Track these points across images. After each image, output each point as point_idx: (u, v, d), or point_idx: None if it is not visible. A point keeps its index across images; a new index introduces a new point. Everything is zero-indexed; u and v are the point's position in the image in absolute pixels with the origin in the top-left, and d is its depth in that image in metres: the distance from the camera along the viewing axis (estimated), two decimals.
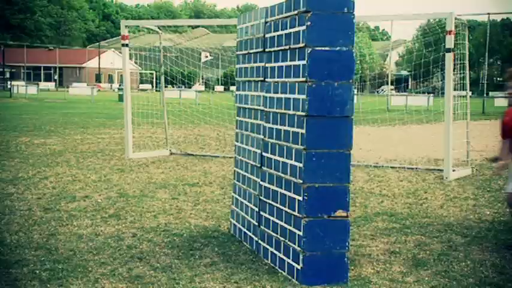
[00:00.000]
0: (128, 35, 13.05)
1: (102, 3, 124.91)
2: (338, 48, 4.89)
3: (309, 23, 4.84)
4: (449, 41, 10.59)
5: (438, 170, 11.46)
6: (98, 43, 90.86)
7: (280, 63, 5.40)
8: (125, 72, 13.19)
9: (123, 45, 13.08)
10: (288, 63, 5.22)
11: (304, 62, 4.90)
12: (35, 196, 8.33)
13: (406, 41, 76.54)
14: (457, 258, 5.79)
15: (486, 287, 5.01)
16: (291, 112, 5.15)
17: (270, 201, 5.57)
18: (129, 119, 12.96)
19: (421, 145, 15.40)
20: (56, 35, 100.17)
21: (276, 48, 5.49)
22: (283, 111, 5.31)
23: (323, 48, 4.87)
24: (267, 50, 5.70)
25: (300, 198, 4.96)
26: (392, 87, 45.55)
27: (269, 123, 5.65)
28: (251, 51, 6.14)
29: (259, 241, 5.77)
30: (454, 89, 11.43)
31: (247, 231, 6.13)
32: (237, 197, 6.57)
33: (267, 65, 5.72)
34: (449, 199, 8.77)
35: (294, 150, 5.10)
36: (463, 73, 12.03)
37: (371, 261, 5.61)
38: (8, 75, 77.00)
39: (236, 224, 6.49)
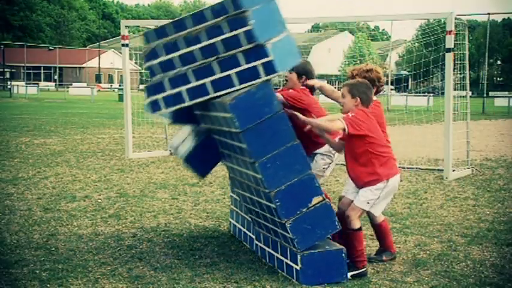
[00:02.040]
0: (128, 35, 13.06)
1: (102, 2, 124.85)
2: (282, 36, 4.82)
3: (252, 21, 4.69)
4: (449, 41, 10.59)
5: (438, 170, 11.46)
6: (98, 43, 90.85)
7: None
8: (125, 72, 13.20)
9: (123, 45, 13.08)
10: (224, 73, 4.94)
11: (257, 62, 4.76)
12: (35, 196, 8.33)
13: (406, 41, 76.49)
14: (457, 258, 5.79)
15: (486, 287, 5.01)
16: (227, 129, 5.02)
17: (251, 207, 5.55)
18: (129, 119, 12.96)
19: (421, 145, 15.40)
20: (56, 35, 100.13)
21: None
22: (221, 128, 5.14)
23: (274, 40, 4.77)
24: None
25: (273, 205, 4.92)
26: (392, 87, 45.53)
27: (218, 136, 5.47)
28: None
29: (256, 241, 5.77)
30: (454, 89, 11.44)
31: (246, 231, 6.12)
32: (236, 197, 6.57)
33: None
34: (449, 199, 8.78)
35: (247, 163, 5.02)
36: (463, 73, 12.03)
37: (371, 261, 5.60)
38: (8, 75, 77.00)
39: (236, 224, 6.49)
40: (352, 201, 5.40)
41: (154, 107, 5.22)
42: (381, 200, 5.31)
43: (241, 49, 4.81)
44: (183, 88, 5.08)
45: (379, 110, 5.71)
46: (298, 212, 4.92)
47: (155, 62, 5.19)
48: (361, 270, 5.19)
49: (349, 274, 5.12)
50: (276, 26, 4.84)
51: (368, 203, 5.26)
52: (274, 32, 4.82)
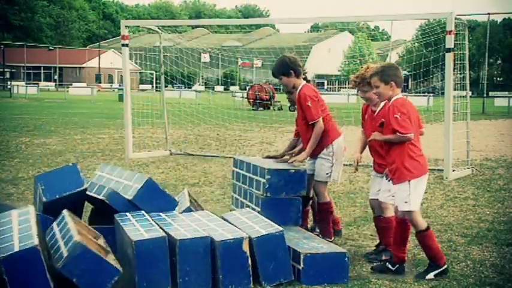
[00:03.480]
0: (128, 35, 13.05)
1: (102, 2, 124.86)
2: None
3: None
4: (449, 41, 10.60)
5: (438, 170, 11.46)
6: (98, 43, 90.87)
7: None
8: (125, 72, 13.19)
9: (123, 45, 13.08)
10: None
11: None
12: None
13: (406, 41, 76.49)
14: (457, 258, 5.79)
15: (486, 287, 5.01)
16: None
17: None
18: (129, 119, 12.96)
19: (421, 145, 15.40)
20: (56, 35, 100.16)
21: None
22: None
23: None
24: None
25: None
26: None
27: None
28: None
29: None
30: (454, 89, 11.44)
31: None
32: (237, 196, 6.57)
33: None
34: (449, 199, 8.78)
35: None
36: (463, 73, 12.03)
37: (371, 261, 5.60)
38: (8, 75, 77.04)
39: None
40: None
41: None
42: (413, 192, 5.17)
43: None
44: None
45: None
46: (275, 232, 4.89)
47: None
48: (443, 268, 5.15)
49: (432, 274, 5.10)
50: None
51: (406, 202, 5.16)
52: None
